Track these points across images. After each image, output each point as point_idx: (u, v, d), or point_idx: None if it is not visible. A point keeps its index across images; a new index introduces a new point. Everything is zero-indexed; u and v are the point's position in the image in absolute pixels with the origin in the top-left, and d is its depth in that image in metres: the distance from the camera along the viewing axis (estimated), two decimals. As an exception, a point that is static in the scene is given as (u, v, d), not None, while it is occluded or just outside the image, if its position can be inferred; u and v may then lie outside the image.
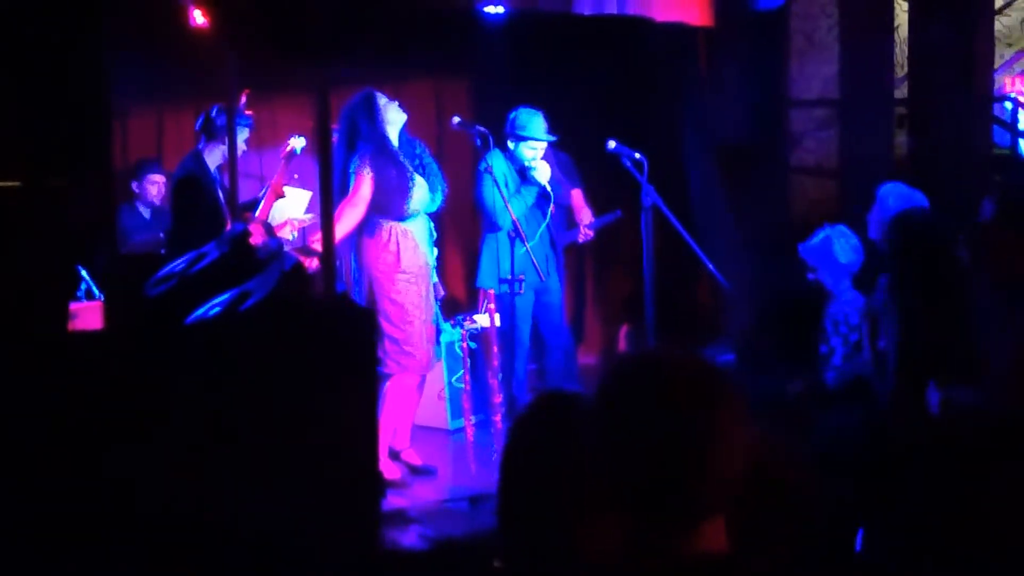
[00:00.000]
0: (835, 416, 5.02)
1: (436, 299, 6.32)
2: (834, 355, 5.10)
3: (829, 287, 5.24)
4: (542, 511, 2.00)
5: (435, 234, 6.42)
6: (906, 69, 8.05)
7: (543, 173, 6.53)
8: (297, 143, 6.76)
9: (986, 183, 7.53)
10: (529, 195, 6.55)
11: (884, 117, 7.59)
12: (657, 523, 1.79)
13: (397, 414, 6.22)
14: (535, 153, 6.57)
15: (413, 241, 6.12)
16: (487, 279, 6.65)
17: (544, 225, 6.67)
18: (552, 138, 6.62)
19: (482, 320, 6.60)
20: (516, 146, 6.60)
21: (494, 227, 6.54)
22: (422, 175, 6.16)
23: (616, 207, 7.28)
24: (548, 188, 6.57)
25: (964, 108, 7.41)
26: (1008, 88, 10.90)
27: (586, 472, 1.95)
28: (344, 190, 6.00)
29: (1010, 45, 10.37)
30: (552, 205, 6.71)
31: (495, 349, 6.31)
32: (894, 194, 5.39)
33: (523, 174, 6.59)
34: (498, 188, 6.30)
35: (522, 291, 6.42)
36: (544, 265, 6.70)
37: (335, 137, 6.04)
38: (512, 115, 6.65)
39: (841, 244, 5.25)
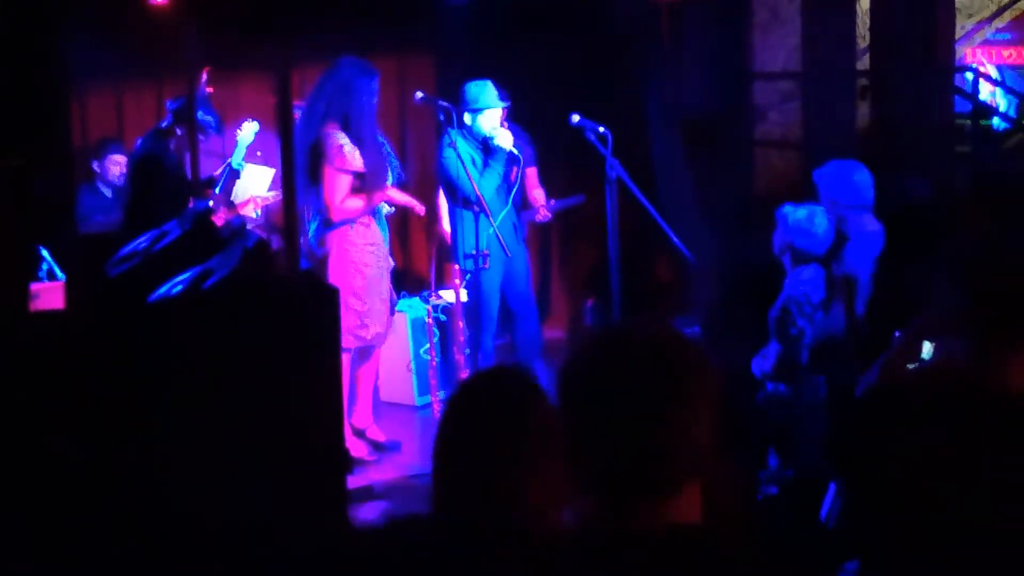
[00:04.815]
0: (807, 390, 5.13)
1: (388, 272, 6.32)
2: (804, 336, 5.15)
3: (788, 263, 5.26)
4: (479, 471, 2.01)
5: (388, 208, 6.43)
6: (868, 40, 8.07)
7: (506, 139, 6.51)
8: (251, 128, 6.80)
9: (947, 153, 7.58)
10: (498, 166, 6.52)
11: (846, 89, 7.62)
12: (629, 494, 1.80)
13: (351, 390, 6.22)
14: (493, 122, 6.54)
15: (367, 217, 6.14)
16: (457, 254, 6.64)
17: (514, 191, 6.64)
18: (505, 103, 6.59)
19: (448, 296, 6.60)
20: (473, 120, 6.56)
21: (458, 203, 6.52)
22: None
23: (580, 181, 7.28)
24: (516, 152, 6.54)
25: (925, 79, 7.44)
26: (969, 59, 10.96)
27: (531, 432, 1.99)
28: (319, 151, 5.96)
29: (971, 16, 10.39)
30: (518, 169, 6.67)
31: (461, 324, 6.31)
32: (828, 174, 5.46)
33: (487, 147, 6.57)
34: (463, 164, 6.29)
35: (487, 266, 6.41)
36: (513, 235, 6.69)
37: (301, 107, 6.04)
38: (462, 91, 6.62)
39: (819, 221, 5.27)
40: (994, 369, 2.60)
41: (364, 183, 6.01)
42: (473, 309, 6.61)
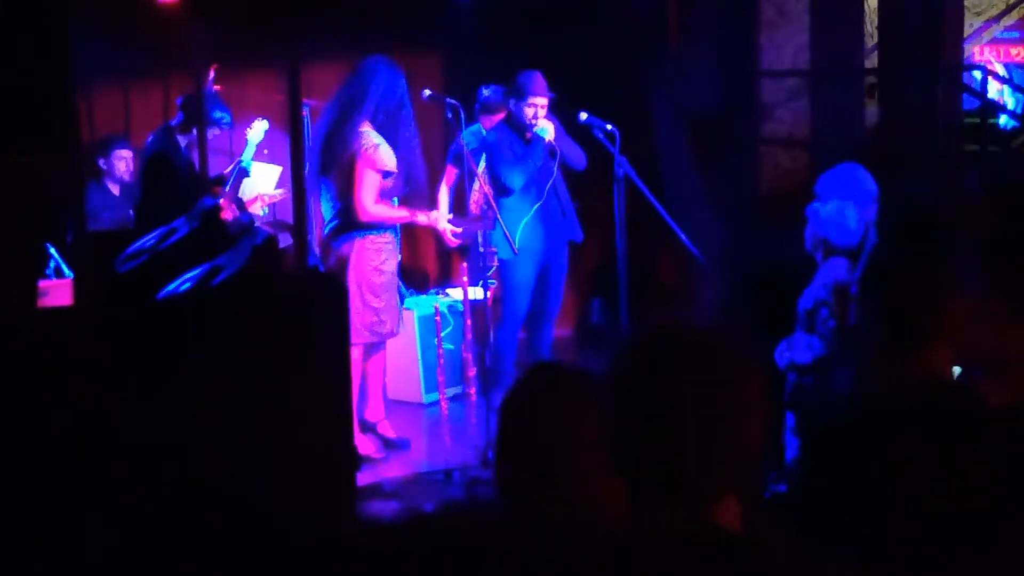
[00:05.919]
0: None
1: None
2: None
3: (820, 259, 5.26)
4: (539, 477, 2.04)
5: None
6: (876, 39, 8.06)
7: (547, 130, 6.46)
8: (261, 126, 6.81)
9: (955, 152, 7.57)
10: (535, 158, 6.48)
11: (854, 87, 7.60)
12: (675, 497, 1.79)
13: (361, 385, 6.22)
14: (535, 111, 6.50)
15: None
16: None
17: (551, 181, 6.58)
18: (552, 95, 6.55)
19: (456, 293, 6.58)
20: (517, 108, 6.53)
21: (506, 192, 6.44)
22: None
23: (588, 178, 7.26)
24: (555, 144, 6.49)
25: (933, 77, 7.42)
26: (977, 57, 10.94)
27: (589, 438, 1.98)
28: (353, 149, 5.93)
29: (979, 14, 10.40)
30: (556, 163, 6.61)
31: (468, 322, 6.30)
32: (833, 182, 5.43)
33: (527, 136, 6.51)
34: (470, 156, 6.27)
35: (494, 263, 6.37)
36: (554, 232, 6.63)
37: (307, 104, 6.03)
38: (513, 79, 6.59)
39: (850, 213, 5.25)
40: (900, 359, 2.61)
41: (397, 186, 6.01)
42: (498, 303, 6.53)
